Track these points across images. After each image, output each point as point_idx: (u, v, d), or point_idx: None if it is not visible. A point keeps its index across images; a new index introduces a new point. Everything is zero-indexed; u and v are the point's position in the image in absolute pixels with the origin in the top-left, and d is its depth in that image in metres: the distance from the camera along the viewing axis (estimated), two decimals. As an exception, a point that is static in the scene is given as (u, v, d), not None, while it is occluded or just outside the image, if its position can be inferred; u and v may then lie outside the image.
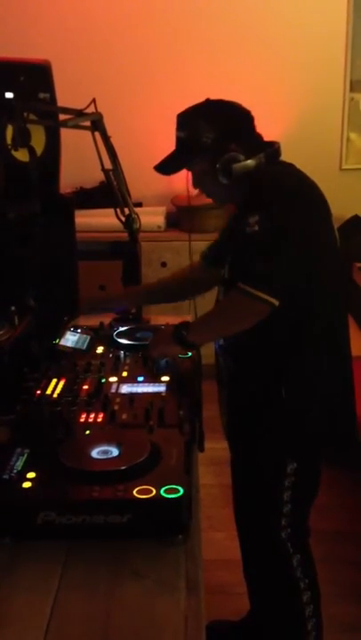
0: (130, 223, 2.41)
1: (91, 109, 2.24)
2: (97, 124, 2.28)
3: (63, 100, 2.31)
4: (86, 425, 1.56)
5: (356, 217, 4.27)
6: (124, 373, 1.85)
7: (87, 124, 2.26)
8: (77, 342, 2.02)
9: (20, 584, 1.18)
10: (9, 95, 1.95)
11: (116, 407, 1.63)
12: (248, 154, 1.76)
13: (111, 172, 2.38)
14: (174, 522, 1.26)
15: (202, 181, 1.85)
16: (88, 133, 2.28)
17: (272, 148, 1.80)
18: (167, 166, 1.83)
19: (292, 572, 1.89)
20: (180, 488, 1.26)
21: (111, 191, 2.41)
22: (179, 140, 1.82)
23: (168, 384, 1.76)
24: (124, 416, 1.59)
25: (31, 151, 2.05)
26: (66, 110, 2.23)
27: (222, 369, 1.94)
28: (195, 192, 1.93)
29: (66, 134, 2.35)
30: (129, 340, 2.08)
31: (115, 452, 1.40)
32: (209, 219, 3.47)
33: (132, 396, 1.69)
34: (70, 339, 2.02)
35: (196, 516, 1.34)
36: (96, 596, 1.15)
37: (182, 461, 1.36)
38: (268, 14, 4.25)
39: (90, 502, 1.25)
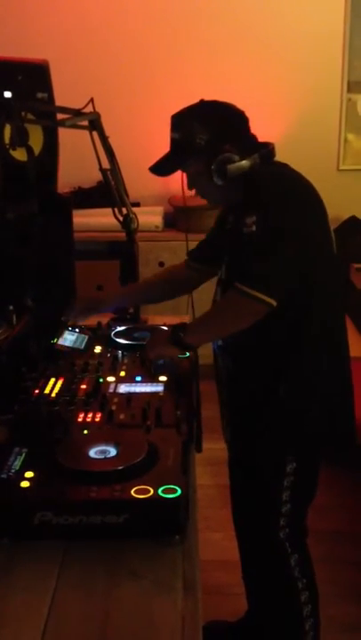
0: (127, 223, 2.40)
1: (89, 109, 2.24)
2: (95, 124, 2.28)
3: (61, 99, 2.31)
4: (84, 425, 1.56)
5: (353, 218, 4.28)
6: (122, 373, 1.85)
7: (85, 123, 2.26)
8: (75, 342, 2.02)
9: (18, 584, 1.18)
10: (7, 95, 1.95)
11: (113, 407, 1.63)
12: (243, 154, 1.76)
13: (109, 172, 2.38)
14: (171, 522, 1.25)
15: (196, 182, 1.85)
16: (86, 133, 2.28)
17: (266, 149, 1.80)
18: (162, 168, 1.83)
19: (290, 571, 1.89)
20: (177, 488, 1.26)
21: (109, 191, 2.41)
22: (173, 142, 1.81)
23: (166, 384, 1.76)
24: (121, 416, 1.59)
25: (29, 151, 2.05)
26: (64, 110, 2.23)
27: (221, 369, 1.94)
28: (190, 192, 1.93)
29: (64, 134, 2.35)
30: (127, 339, 2.08)
31: (112, 451, 1.40)
32: (206, 219, 3.47)
33: (129, 395, 1.69)
34: (68, 338, 2.02)
35: (193, 516, 1.34)
36: (93, 597, 1.15)
37: (179, 462, 1.36)
38: (267, 15, 4.25)
39: (87, 502, 1.24)
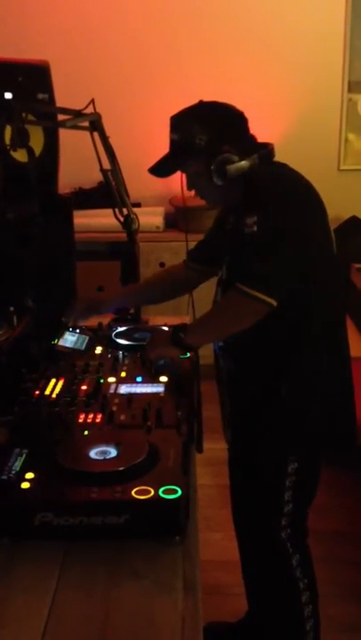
0: (128, 223, 2.41)
1: (89, 110, 2.24)
2: (95, 125, 2.28)
3: (62, 100, 2.32)
4: (85, 425, 1.56)
5: (354, 218, 4.28)
6: (123, 374, 1.85)
7: (86, 124, 2.26)
8: (76, 343, 2.02)
9: (18, 584, 1.18)
10: (8, 96, 1.95)
11: (114, 408, 1.63)
12: (242, 155, 1.76)
13: (110, 173, 2.38)
14: (172, 523, 1.26)
15: (196, 183, 1.85)
16: (87, 134, 2.28)
17: (266, 149, 1.80)
18: (161, 169, 1.83)
19: (292, 572, 1.90)
20: (177, 489, 1.26)
21: (110, 191, 2.41)
22: (172, 143, 1.81)
23: (166, 385, 1.76)
24: (122, 417, 1.59)
25: (30, 152, 2.05)
26: (64, 111, 2.23)
27: (222, 370, 1.94)
28: (190, 193, 1.93)
29: (64, 135, 2.35)
30: (127, 340, 2.08)
31: (113, 452, 1.40)
32: (206, 219, 3.47)
33: (130, 396, 1.69)
34: (69, 339, 2.02)
35: (193, 516, 1.34)
36: (94, 597, 1.15)
37: (180, 462, 1.36)
38: (267, 15, 4.25)
39: (88, 503, 1.25)
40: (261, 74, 4.29)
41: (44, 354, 1.97)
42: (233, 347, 1.86)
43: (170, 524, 1.26)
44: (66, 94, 2.35)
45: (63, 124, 2.20)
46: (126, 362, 1.94)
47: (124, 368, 1.89)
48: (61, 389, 1.75)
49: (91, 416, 1.60)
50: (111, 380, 1.81)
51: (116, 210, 2.40)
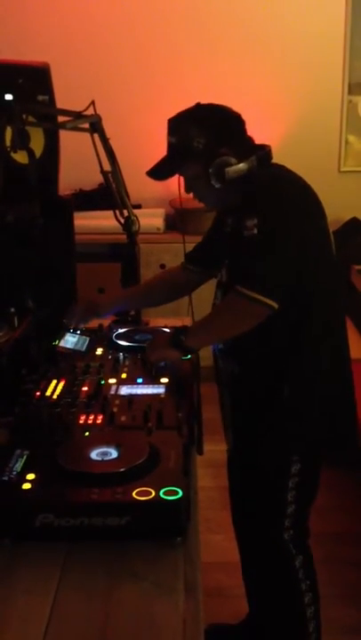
0: (129, 225, 2.41)
1: (90, 111, 2.24)
2: (96, 126, 2.29)
3: (62, 102, 2.32)
4: (85, 427, 1.56)
5: (354, 219, 4.28)
6: (124, 375, 1.85)
7: (86, 126, 2.26)
8: (77, 344, 2.02)
9: (19, 586, 1.18)
10: (8, 97, 1.95)
11: (115, 409, 1.64)
12: (240, 157, 1.75)
13: (110, 174, 2.39)
14: (173, 524, 1.26)
15: (194, 186, 1.85)
16: (87, 135, 2.28)
17: (263, 151, 1.80)
18: (159, 172, 1.83)
19: (295, 573, 1.89)
20: (178, 490, 1.26)
21: (110, 193, 2.41)
22: (170, 146, 1.81)
23: (167, 386, 1.76)
24: (122, 418, 1.59)
25: (30, 153, 2.05)
26: (65, 112, 2.23)
27: (223, 372, 1.94)
28: (189, 195, 1.92)
29: (65, 136, 2.35)
30: (128, 341, 2.08)
31: (114, 453, 1.40)
32: (205, 221, 3.47)
33: (131, 397, 1.69)
34: (69, 340, 2.02)
35: (194, 518, 1.34)
36: (95, 599, 1.15)
37: (181, 463, 1.36)
38: (267, 17, 4.26)
39: (89, 504, 1.25)
40: (262, 75, 4.30)
41: (45, 355, 1.97)
42: (233, 349, 1.86)
43: (171, 525, 1.26)
44: (66, 96, 2.35)
45: (63, 126, 2.20)
46: (127, 363, 1.94)
47: (125, 369, 1.89)
48: (62, 390, 1.75)
49: (91, 417, 1.60)
50: (112, 381, 1.81)
51: (117, 211, 2.40)
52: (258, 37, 4.27)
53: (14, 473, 1.34)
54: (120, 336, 2.12)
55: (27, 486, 1.29)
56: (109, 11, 4.24)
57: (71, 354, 1.98)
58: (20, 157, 2.11)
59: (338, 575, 2.55)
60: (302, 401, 1.80)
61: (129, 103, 4.27)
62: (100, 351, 2.04)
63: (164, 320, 2.30)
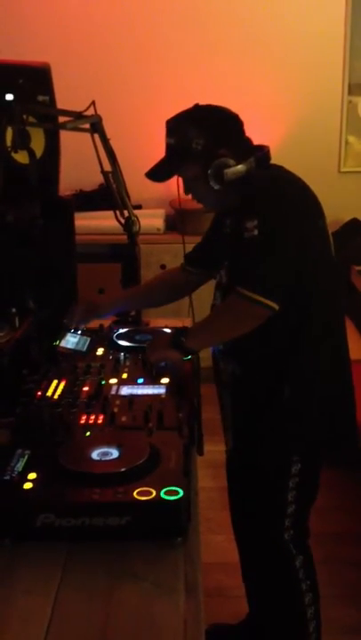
0: (129, 226, 2.41)
1: (90, 112, 2.24)
2: (96, 127, 2.29)
3: (62, 102, 2.32)
4: (86, 427, 1.56)
5: (354, 220, 4.28)
6: (124, 375, 1.85)
7: (86, 126, 2.26)
8: (77, 344, 2.02)
9: (20, 586, 1.18)
10: (9, 97, 1.95)
11: (115, 409, 1.64)
12: (238, 159, 1.75)
13: (111, 175, 2.39)
14: (174, 524, 1.26)
15: (193, 187, 1.85)
16: (87, 136, 2.28)
17: (262, 152, 1.80)
18: (158, 173, 1.82)
19: (295, 573, 1.90)
20: (179, 490, 1.26)
21: (110, 194, 2.41)
22: (168, 147, 1.80)
23: (168, 386, 1.76)
24: (123, 418, 1.59)
25: (31, 153, 2.05)
26: (65, 113, 2.23)
27: (222, 373, 1.94)
28: (189, 196, 1.92)
29: (65, 137, 2.35)
30: (129, 342, 2.08)
31: (114, 453, 1.40)
32: (205, 222, 3.46)
33: (131, 398, 1.69)
34: (70, 340, 2.02)
35: (195, 518, 1.34)
36: (95, 599, 1.15)
37: (181, 464, 1.36)
38: (268, 18, 4.26)
39: (90, 504, 1.25)
40: (262, 76, 4.30)
41: (46, 355, 1.97)
42: (233, 350, 1.86)
43: (171, 525, 1.26)
44: (66, 96, 2.35)
45: (64, 126, 2.20)
46: (128, 363, 1.94)
47: (126, 370, 1.89)
48: (63, 391, 1.75)
49: (92, 417, 1.60)
50: (113, 381, 1.81)
51: (117, 212, 2.40)
52: (258, 37, 4.27)
53: (15, 473, 1.34)
54: (121, 336, 2.12)
55: (28, 486, 1.29)
56: (109, 11, 4.24)
57: (72, 354, 1.99)
58: (21, 157, 2.11)
59: (338, 575, 2.55)
60: (302, 401, 1.80)
61: (129, 103, 4.27)
62: (100, 351, 2.04)
63: (164, 321, 2.30)
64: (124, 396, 1.71)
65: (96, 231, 3.89)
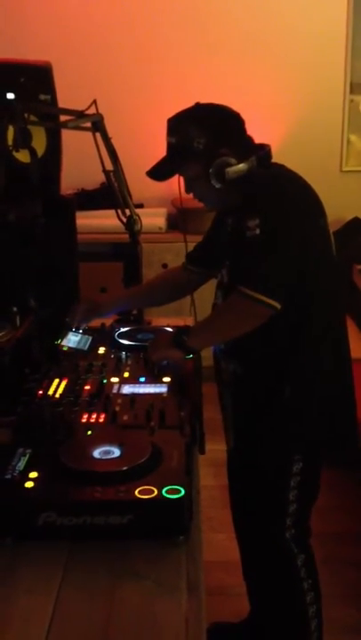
0: (131, 224, 2.41)
1: (91, 110, 2.24)
2: (98, 126, 2.28)
3: (64, 101, 2.32)
4: (88, 425, 1.56)
5: (356, 219, 4.28)
6: (126, 374, 1.85)
7: (88, 125, 2.26)
8: (79, 343, 2.02)
9: (21, 585, 1.18)
10: (10, 96, 1.95)
11: (117, 408, 1.64)
12: (240, 157, 1.75)
13: (112, 174, 2.38)
14: (175, 523, 1.26)
15: (194, 186, 1.85)
16: (89, 134, 2.28)
17: (263, 151, 1.79)
18: (159, 172, 1.82)
19: (297, 572, 1.90)
20: (181, 489, 1.26)
21: (112, 192, 2.41)
22: (170, 146, 1.80)
23: (169, 385, 1.76)
24: (125, 417, 1.59)
25: (32, 152, 2.05)
26: (67, 111, 2.23)
27: (223, 372, 1.94)
28: (189, 195, 1.92)
29: (67, 135, 2.35)
30: (130, 340, 2.08)
31: (116, 452, 1.40)
32: (207, 221, 3.46)
33: (133, 396, 1.69)
34: (72, 339, 2.02)
35: (196, 517, 1.34)
36: (97, 597, 1.15)
37: (183, 462, 1.36)
38: (269, 16, 4.26)
39: (91, 503, 1.25)
40: (263, 75, 4.30)
41: (47, 354, 1.97)
42: (235, 349, 1.86)
43: (173, 523, 1.26)
44: (68, 95, 2.35)
45: (65, 125, 2.20)
46: (129, 362, 1.94)
47: (127, 368, 1.89)
48: (64, 389, 1.75)
49: (94, 416, 1.60)
50: (114, 380, 1.81)
51: (119, 211, 2.40)
52: (259, 38, 4.27)
53: (17, 472, 1.34)
54: (122, 335, 2.12)
55: (29, 485, 1.29)
56: (110, 10, 4.24)
57: (73, 353, 1.99)
58: (22, 156, 2.11)
59: (338, 575, 2.55)
60: (303, 401, 1.80)
61: (130, 102, 4.27)
62: (102, 350, 2.04)
63: (166, 319, 2.30)
64: (126, 395, 1.71)
65: (98, 230, 3.89)
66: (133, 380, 1.81)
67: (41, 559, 1.23)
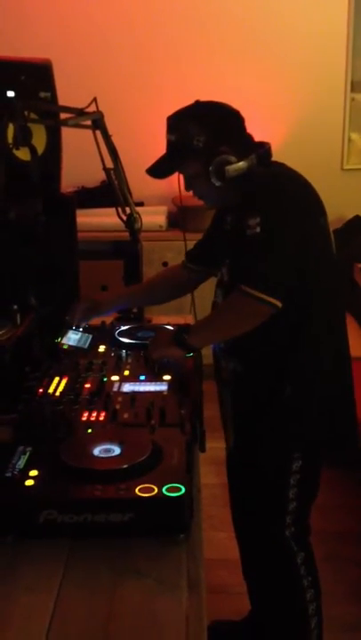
0: (131, 223, 2.41)
1: (92, 108, 2.24)
2: (98, 123, 2.28)
3: (64, 99, 2.31)
4: (88, 423, 1.56)
5: (357, 217, 4.27)
6: (126, 372, 1.85)
7: (88, 122, 2.26)
8: (79, 341, 2.02)
9: (22, 583, 1.18)
10: (10, 94, 1.95)
11: (117, 406, 1.64)
12: (240, 155, 1.75)
13: (112, 172, 2.38)
14: (176, 521, 1.26)
15: (194, 184, 1.85)
16: (89, 132, 2.28)
17: (263, 149, 1.79)
18: (159, 170, 1.82)
19: (297, 570, 1.90)
20: (181, 487, 1.26)
21: (112, 190, 2.41)
22: (169, 144, 1.80)
23: (170, 383, 1.76)
24: (125, 415, 1.59)
25: (32, 150, 2.05)
26: (67, 109, 2.23)
27: (223, 370, 1.94)
28: (189, 193, 1.92)
29: (67, 133, 2.35)
30: (131, 339, 2.08)
31: (116, 450, 1.40)
32: (207, 219, 3.46)
33: (133, 394, 1.69)
34: (72, 337, 2.02)
35: (197, 515, 1.34)
36: (98, 595, 1.15)
37: (183, 460, 1.36)
38: (269, 15, 4.25)
39: (92, 501, 1.25)
40: (264, 74, 4.29)
41: (48, 352, 1.97)
42: (235, 348, 1.86)
43: (174, 521, 1.25)
44: (68, 93, 2.34)
45: (65, 123, 2.19)
46: (130, 360, 1.94)
47: (128, 366, 1.89)
48: (65, 388, 1.75)
49: (94, 414, 1.60)
50: (114, 378, 1.81)
51: (119, 209, 2.40)
52: (260, 36, 4.27)
53: (17, 470, 1.34)
54: (123, 333, 2.12)
55: (30, 483, 1.29)
56: (110, 8, 4.24)
57: (74, 351, 1.98)
58: (23, 154, 2.11)
59: (339, 573, 2.55)
60: (303, 400, 1.79)
61: (131, 100, 4.27)
62: (102, 348, 2.04)
63: (166, 318, 2.30)
64: (126, 393, 1.71)
65: (98, 228, 3.89)
66: (134, 378, 1.81)
67: (42, 557, 1.23)
